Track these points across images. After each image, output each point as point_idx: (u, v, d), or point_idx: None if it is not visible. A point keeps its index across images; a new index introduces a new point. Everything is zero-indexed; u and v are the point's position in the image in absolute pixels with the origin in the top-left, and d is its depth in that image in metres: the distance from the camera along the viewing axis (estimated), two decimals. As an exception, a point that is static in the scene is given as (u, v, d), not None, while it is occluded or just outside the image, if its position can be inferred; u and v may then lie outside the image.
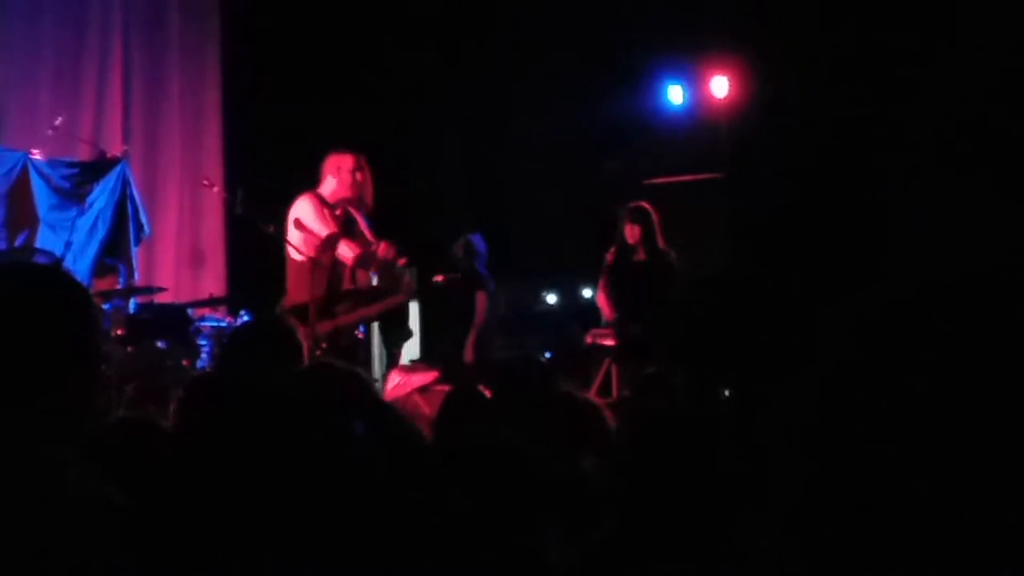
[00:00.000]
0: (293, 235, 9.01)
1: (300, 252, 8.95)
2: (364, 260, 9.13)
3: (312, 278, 8.89)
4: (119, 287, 11.58)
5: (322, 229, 9.01)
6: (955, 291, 1.26)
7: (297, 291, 9.01)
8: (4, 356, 2.28)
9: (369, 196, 9.36)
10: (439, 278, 11.37)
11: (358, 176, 9.28)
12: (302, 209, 9.11)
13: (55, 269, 2.72)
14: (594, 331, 12.43)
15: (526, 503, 2.96)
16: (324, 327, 8.84)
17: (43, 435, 2.10)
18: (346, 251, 9.06)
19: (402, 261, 9.27)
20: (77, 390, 2.29)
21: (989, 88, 11.36)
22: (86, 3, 13.39)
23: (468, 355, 11.70)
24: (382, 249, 9.07)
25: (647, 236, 10.84)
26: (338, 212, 9.23)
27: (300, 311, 8.76)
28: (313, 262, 8.88)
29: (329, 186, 9.26)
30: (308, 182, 9.60)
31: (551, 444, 4.29)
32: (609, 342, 11.30)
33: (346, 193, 9.23)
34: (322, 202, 9.16)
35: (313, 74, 14.01)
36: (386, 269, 9.23)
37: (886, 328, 1.27)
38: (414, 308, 12.62)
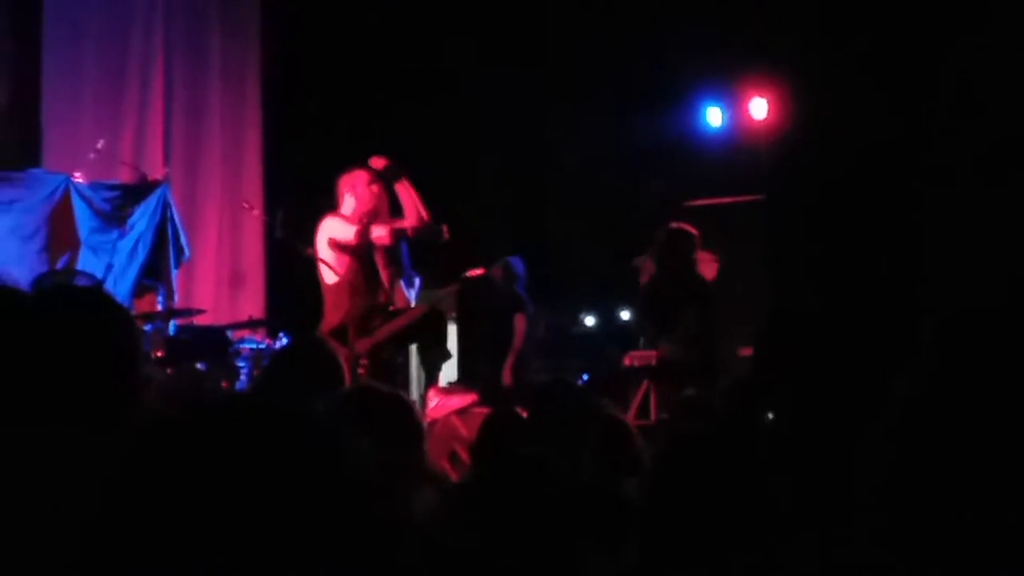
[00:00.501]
0: (327, 255, 9.02)
1: (335, 271, 8.96)
2: (399, 232, 9.17)
3: (348, 297, 8.92)
4: (159, 307, 11.63)
5: (351, 228, 9.03)
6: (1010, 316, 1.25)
7: (334, 313, 9.03)
8: (49, 378, 2.29)
9: (386, 209, 9.35)
10: (475, 272, 11.32)
11: (374, 188, 9.28)
12: (330, 225, 9.13)
13: (98, 291, 2.72)
14: (632, 353, 12.40)
15: (564, 524, 2.95)
16: (363, 345, 8.85)
17: (82, 455, 2.10)
18: (380, 231, 9.07)
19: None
20: (119, 411, 2.30)
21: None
22: (128, 27, 13.49)
23: (506, 378, 11.69)
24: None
25: (687, 259, 10.72)
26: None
27: (338, 332, 8.77)
28: (349, 283, 8.91)
29: (349, 205, 9.26)
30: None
31: (588, 466, 4.28)
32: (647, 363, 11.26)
33: (366, 207, 9.23)
34: (345, 218, 9.19)
35: (353, 97, 14.07)
36: (424, 227, 9.30)
37: (960, 359, 1.27)
38: (452, 330, 12.63)
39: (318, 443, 1.28)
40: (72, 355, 2.30)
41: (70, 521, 1.35)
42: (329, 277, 9.07)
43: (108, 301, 2.51)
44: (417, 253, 10.34)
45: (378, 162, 9.31)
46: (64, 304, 2.39)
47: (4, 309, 2.42)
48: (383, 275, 9.26)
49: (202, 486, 1.21)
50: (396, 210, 9.44)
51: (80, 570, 1.24)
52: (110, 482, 1.25)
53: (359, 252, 9.10)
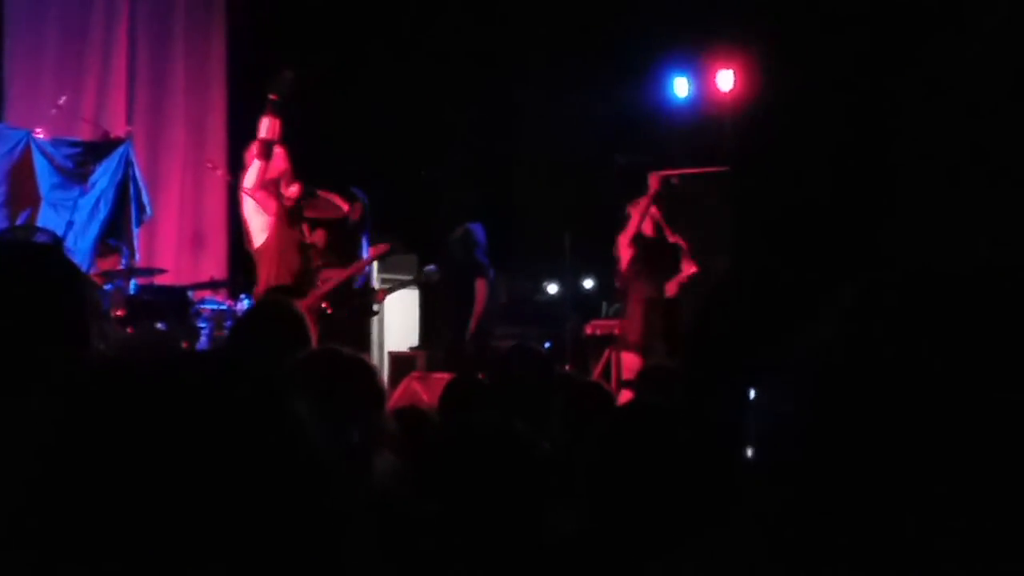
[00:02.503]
0: (249, 207, 9.11)
1: (265, 212, 9.01)
2: (309, 191, 9.26)
3: (279, 260, 8.98)
4: (121, 267, 11.56)
5: (254, 169, 9.10)
6: (941, 282, 1.23)
7: (266, 275, 9.07)
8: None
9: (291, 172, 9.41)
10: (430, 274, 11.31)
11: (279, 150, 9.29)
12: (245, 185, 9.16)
13: (47, 248, 2.68)
14: (594, 322, 12.43)
15: (527, 488, 2.95)
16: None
17: (21, 419, 2.07)
18: (293, 190, 9.16)
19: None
20: (64, 370, 2.27)
21: (998, 81, 11.33)
22: (92, -17, 13.36)
23: (468, 343, 11.70)
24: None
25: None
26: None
27: (281, 293, 8.82)
28: (276, 244, 8.98)
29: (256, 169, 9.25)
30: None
31: (555, 430, 4.28)
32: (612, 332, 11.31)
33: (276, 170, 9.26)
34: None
35: (320, 57, 13.99)
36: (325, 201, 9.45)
37: (866, 317, 1.25)
38: (414, 295, 12.63)
39: (253, 402, 1.25)
40: (15, 313, 2.27)
41: (8, 487, 1.33)
42: (257, 237, 9.11)
43: (57, 257, 2.47)
44: (378, 219, 10.38)
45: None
46: (11, 261, 2.36)
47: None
48: (309, 239, 9.33)
49: (134, 446, 1.19)
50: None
51: (19, 534, 1.21)
52: (44, 444, 1.23)
53: (283, 215, 9.13)
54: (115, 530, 1.16)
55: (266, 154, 9.00)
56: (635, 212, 10.88)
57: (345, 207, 9.89)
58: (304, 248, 9.21)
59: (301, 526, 1.21)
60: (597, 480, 2.83)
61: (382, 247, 10.11)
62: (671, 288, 10.82)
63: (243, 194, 9.19)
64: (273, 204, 9.08)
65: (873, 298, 1.25)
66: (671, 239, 10.99)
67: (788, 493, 1.21)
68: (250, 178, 9.09)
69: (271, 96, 9.25)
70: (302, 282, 9.10)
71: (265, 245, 9.08)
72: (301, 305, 8.79)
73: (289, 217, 9.14)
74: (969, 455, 1.13)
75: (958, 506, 1.12)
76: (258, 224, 9.10)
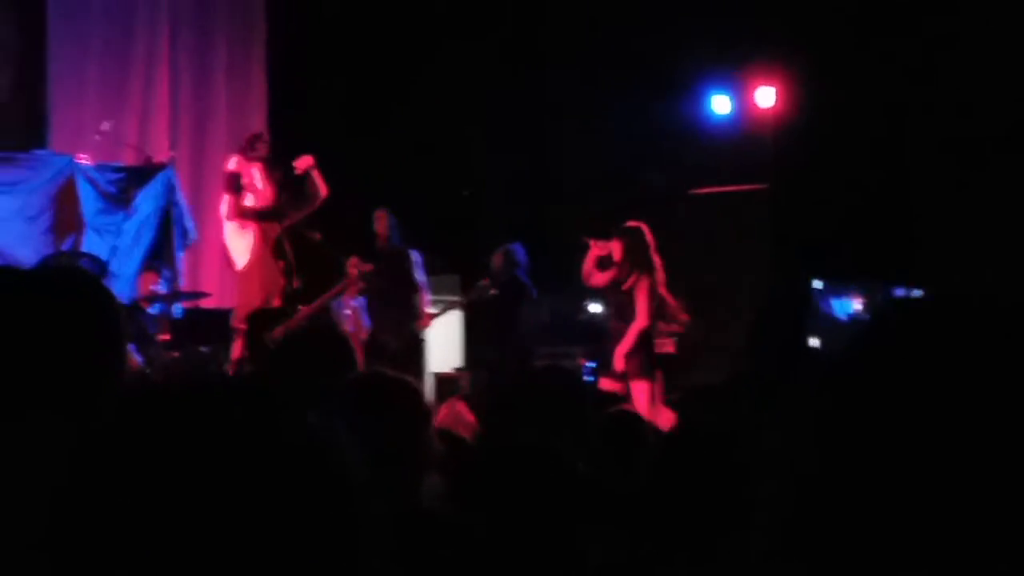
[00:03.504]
0: (228, 231, 9.33)
1: (244, 235, 9.17)
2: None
3: (261, 283, 9.11)
4: (159, 284, 11.63)
5: (224, 202, 9.38)
6: (971, 306, 1.25)
7: (250, 297, 9.17)
8: (15, 362, 2.26)
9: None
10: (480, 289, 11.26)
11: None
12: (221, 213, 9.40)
13: (83, 274, 2.70)
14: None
15: (565, 511, 2.96)
16: (285, 327, 9.03)
17: (51, 445, 2.09)
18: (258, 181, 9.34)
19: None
20: (90, 398, 2.28)
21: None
22: (133, 9, 13.48)
23: (510, 363, 11.69)
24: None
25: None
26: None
27: (264, 314, 8.93)
28: (259, 267, 9.13)
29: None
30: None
31: (590, 453, 4.29)
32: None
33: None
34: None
35: (359, 78, 14.07)
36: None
37: (890, 339, 1.27)
38: (456, 317, 12.64)
39: (283, 429, 1.26)
40: (50, 341, 2.29)
41: (36, 509, 1.35)
42: (239, 259, 9.26)
43: (94, 286, 2.48)
44: (420, 236, 10.45)
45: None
46: (47, 289, 2.38)
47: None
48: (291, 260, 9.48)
49: (159, 475, 1.20)
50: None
51: (44, 557, 1.23)
52: (72, 468, 1.24)
53: (265, 239, 9.30)
54: (145, 554, 1.17)
55: (233, 188, 9.28)
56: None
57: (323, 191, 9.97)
58: (287, 271, 9.34)
59: (335, 553, 1.22)
60: (647, 502, 2.84)
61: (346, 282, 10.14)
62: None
63: (224, 220, 9.45)
64: (254, 229, 9.24)
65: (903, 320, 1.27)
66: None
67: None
68: (223, 208, 9.39)
69: (243, 141, 10.04)
70: (284, 303, 9.22)
71: (248, 267, 9.23)
72: (284, 325, 8.94)
73: (271, 241, 9.28)
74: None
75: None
76: (239, 247, 9.29)
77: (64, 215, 11.71)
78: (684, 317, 10.67)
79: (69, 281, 2.44)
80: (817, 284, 12.39)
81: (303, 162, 9.64)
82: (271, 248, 9.24)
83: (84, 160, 11.88)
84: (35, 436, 2.17)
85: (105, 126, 12.06)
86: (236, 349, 9.16)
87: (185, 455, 1.19)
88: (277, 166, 9.75)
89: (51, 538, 1.21)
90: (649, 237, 10.42)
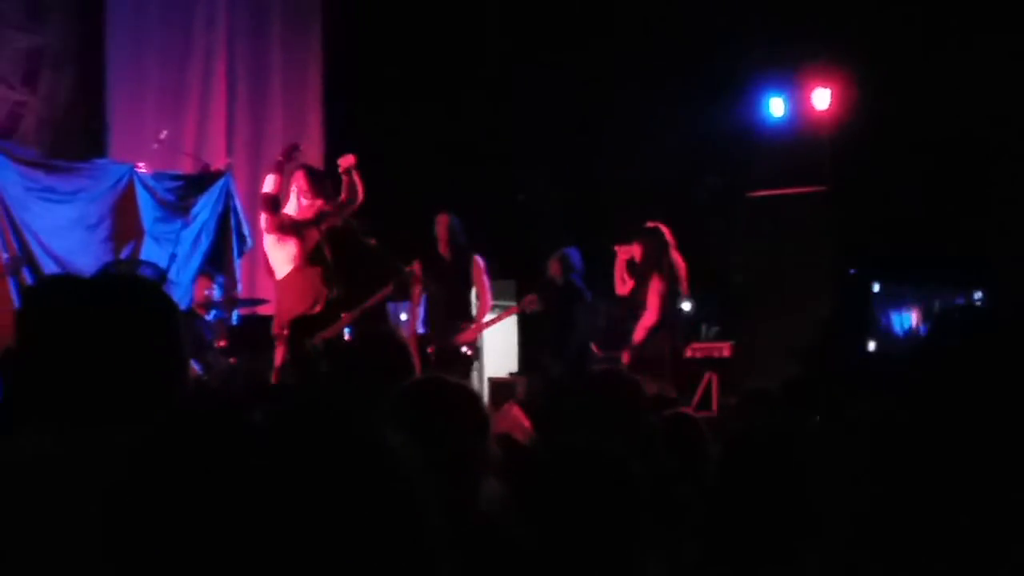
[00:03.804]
0: (268, 242, 9.40)
1: (285, 247, 9.20)
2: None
3: (304, 287, 9.16)
4: (212, 289, 11.70)
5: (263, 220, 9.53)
6: None
7: (290, 305, 9.21)
8: (81, 370, 2.28)
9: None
10: (530, 302, 11.21)
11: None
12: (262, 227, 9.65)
13: (146, 283, 2.71)
14: (695, 345, 12.35)
15: (627, 516, 2.94)
16: (328, 333, 9.07)
17: (110, 453, 2.09)
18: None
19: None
20: (154, 405, 2.29)
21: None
22: (190, 18, 13.57)
23: (566, 367, 11.67)
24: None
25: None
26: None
27: (305, 321, 8.96)
28: (299, 273, 9.18)
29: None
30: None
31: (647, 455, 4.27)
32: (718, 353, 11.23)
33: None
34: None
35: (415, 86, 14.10)
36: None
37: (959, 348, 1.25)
38: (512, 322, 12.63)
39: (343, 437, 1.26)
40: (115, 347, 2.30)
41: (90, 519, 1.35)
42: (282, 267, 9.32)
43: (157, 294, 2.50)
44: (474, 241, 10.46)
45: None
46: (111, 296, 2.39)
47: (59, 298, 2.43)
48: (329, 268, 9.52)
49: (220, 482, 1.20)
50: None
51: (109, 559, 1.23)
52: (133, 475, 1.24)
53: (306, 251, 9.36)
54: (203, 561, 1.17)
55: (271, 207, 9.33)
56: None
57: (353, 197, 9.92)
58: (327, 278, 9.38)
59: (395, 559, 1.21)
60: (714, 508, 2.82)
61: (386, 289, 10.15)
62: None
63: (264, 232, 9.53)
64: (294, 238, 9.29)
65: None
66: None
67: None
68: (263, 223, 9.48)
69: (278, 156, 9.80)
70: (326, 310, 9.25)
71: (289, 276, 9.27)
72: (324, 335, 9.00)
73: (311, 249, 9.32)
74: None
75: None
76: (280, 257, 9.34)
77: (123, 223, 11.80)
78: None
79: (132, 289, 2.45)
80: (875, 287, 12.32)
81: (346, 160, 9.67)
82: (311, 256, 9.30)
83: (142, 168, 11.97)
84: (101, 443, 2.18)
85: (163, 134, 12.15)
86: (278, 356, 9.21)
87: (254, 463, 1.19)
88: (320, 173, 9.79)
89: (112, 544, 1.22)
90: (668, 236, 10.53)
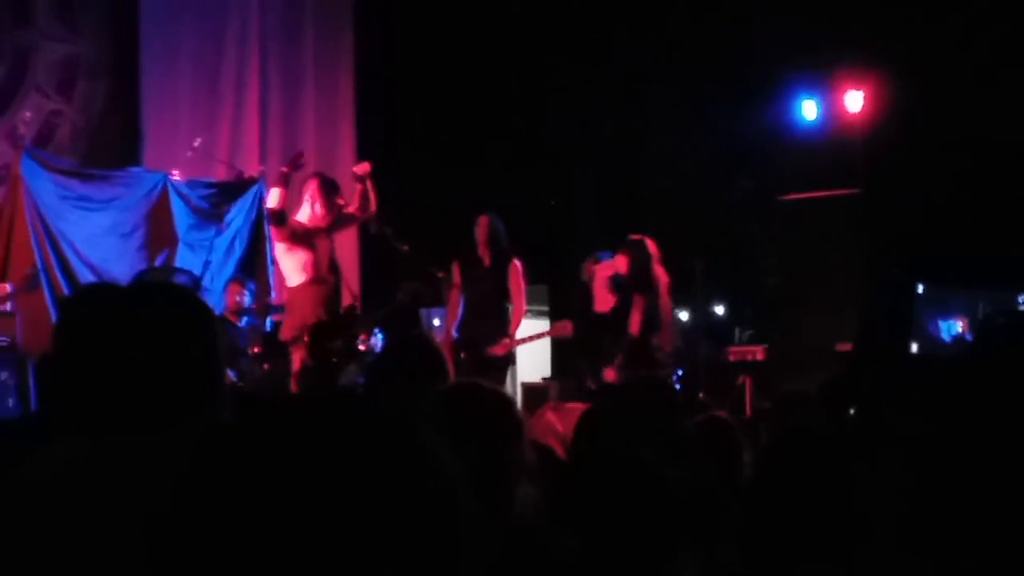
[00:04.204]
0: (279, 250, 9.39)
1: (295, 255, 9.16)
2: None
3: (315, 296, 9.16)
4: (243, 295, 11.74)
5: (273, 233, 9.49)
6: None
7: (303, 312, 9.20)
8: (124, 377, 2.29)
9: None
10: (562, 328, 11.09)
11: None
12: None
13: (181, 290, 2.73)
14: (732, 348, 12.32)
15: (660, 521, 2.94)
16: (342, 342, 9.07)
17: (152, 462, 2.10)
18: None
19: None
20: (196, 411, 2.30)
21: None
22: (223, 27, 13.64)
23: (607, 374, 11.64)
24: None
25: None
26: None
27: (325, 326, 8.97)
28: (311, 282, 9.18)
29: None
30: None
31: (683, 461, 4.26)
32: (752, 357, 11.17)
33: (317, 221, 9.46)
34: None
35: (447, 90, 14.12)
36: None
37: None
38: (545, 325, 12.62)
39: (391, 445, 1.27)
40: (152, 355, 2.31)
41: (136, 528, 1.36)
42: (294, 277, 9.30)
43: (193, 301, 2.51)
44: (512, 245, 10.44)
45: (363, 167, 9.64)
46: (148, 304, 2.41)
47: (96, 306, 2.44)
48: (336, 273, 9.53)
49: (265, 485, 1.21)
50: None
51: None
52: (173, 490, 1.25)
53: (316, 259, 9.36)
54: (248, 565, 1.18)
55: (278, 222, 9.28)
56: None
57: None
58: (337, 289, 9.40)
59: (435, 558, 1.22)
60: (755, 509, 2.82)
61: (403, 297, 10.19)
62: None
63: (274, 240, 9.56)
64: (304, 247, 9.29)
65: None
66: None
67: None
68: (273, 235, 9.50)
69: (283, 168, 9.64)
70: (335, 322, 9.24)
71: (301, 285, 9.28)
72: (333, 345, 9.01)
73: (322, 258, 9.33)
74: None
75: None
76: (290, 265, 9.33)
77: (158, 231, 11.86)
78: (666, 351, 10.44)
79: (169, 297, 2.47)
80: (920, 288, 12.26)
81: (362, 168, 9.65)
82: (323, 265, 9.31)
83: (176, 176, 12.03)
84: (139, 451, 2.19)
85: (197, 142, 12.21)
86: (296, 362, 9.21)
87: (304, 465, 1.20)
88: (333, 181, 9.75)
89: (162, 551, 1.23)
90: (653, 249, 10.29)
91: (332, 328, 9.11)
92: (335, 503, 1.17)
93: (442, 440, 1.27)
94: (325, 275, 9.30)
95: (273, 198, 9.40)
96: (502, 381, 10.01)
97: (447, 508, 1.22)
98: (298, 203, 9.56)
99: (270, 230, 9.61)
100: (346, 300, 9.84)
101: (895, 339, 11.93)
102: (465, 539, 1.23)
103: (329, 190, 9.49)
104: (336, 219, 9.44)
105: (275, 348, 10.56)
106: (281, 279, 13.01)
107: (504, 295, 10.23)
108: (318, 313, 9.13)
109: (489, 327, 10.15)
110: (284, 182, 9.41)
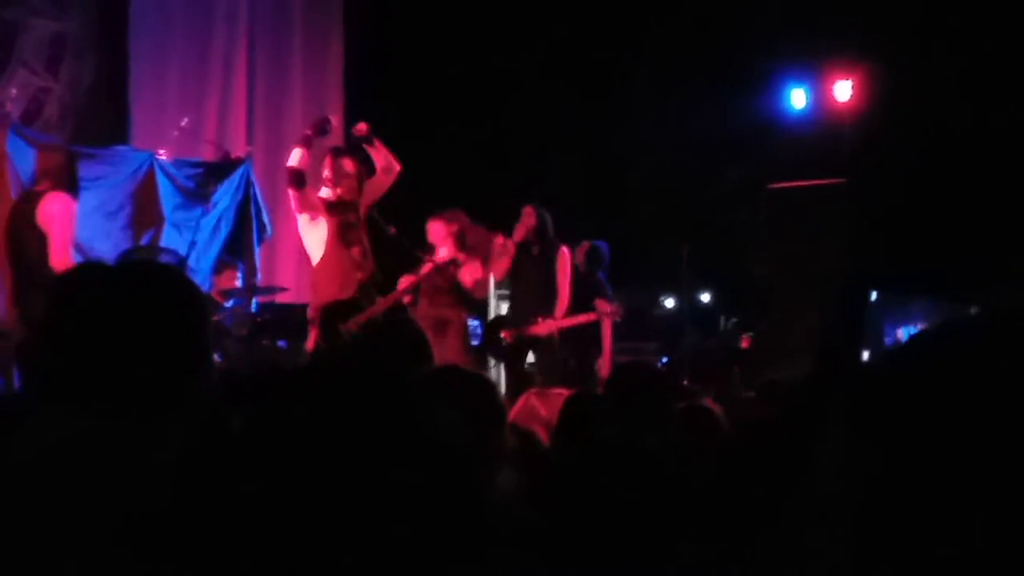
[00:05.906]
0: (302, 224, 9.24)
1: (317, 229, 9.05)
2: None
3: (337, 270, 9.05)
4: (238, 283, 11.72)
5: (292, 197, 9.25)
6: None
7: (325, 288, 9.10)
8: (115, 356, 2.28)
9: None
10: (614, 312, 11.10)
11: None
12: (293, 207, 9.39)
13: (170, 268, 2.72)
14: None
15: (645, 506, 2.94)
16: (360, 319, 8.95)
17: (145, 442, 2.10)
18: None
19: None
20: (187, 390, 2.30)
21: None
22: (212, 6, 13.61)
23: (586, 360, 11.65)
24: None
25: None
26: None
27: (337, 307, 8.89)
28: (333, 256, 9.03)
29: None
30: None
31: (668, 446, 4.27)
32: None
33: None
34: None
35: (436, 76, 14.10)
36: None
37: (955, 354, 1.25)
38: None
39: (406, 408, 1.27)
40: (142, 333, 2.30)
41: (136, 510, 1.35)
42: (315, 251, 9.20)
43: (181, 279, 2.51)
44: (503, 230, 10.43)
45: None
46: (136, 282, 2.40)
47: (86, 285, 2.44)
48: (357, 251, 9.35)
49: (281, 455, 1.21)
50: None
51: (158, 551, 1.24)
52: (176, 472, 1.25)
53: (337, 233, 9.24)
54: (259, 537, 1.18)
55: (296, 183, 9.15)
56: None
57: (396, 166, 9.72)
58: (362, 265, 9.26)
59: (451, 518, 1.22)
60: (718, 498, 2.82)
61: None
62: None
63: (295, 214, 9.39)
64: (328, 220, 9.18)
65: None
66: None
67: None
68: (294, 203, 9.29)
69: (307, 131, 9.49)
70: (358, 298, 9.16)
71: (322, 260, 9.17)
72: (358, 317, 8.91)
73: (345, 231, 9.20)
74: None
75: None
76: (313, 240, 9.21)
77: (143, 210, 11.82)
78: None
79: (158, 276, 2.46)
80: (872, 296, 12.28)
81: (359, 129, 9.54)
82: (346, 239, 9.18)
83: (163, 156, 11.99)
84: (127, 429, 2.19)
85: (184, 122, 12.17)
86: (311, 341, 9.15)
87: (325, 436, 1.20)
88: (355, 152, 9.64)
89: (174, 528, 1.22)
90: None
91: (346, 307, 9.01)
92: (364, 474, 1.17)
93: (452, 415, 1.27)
94: (345, 251, 9.15)
95: (294, 157, 9.25)
96: (547, 360, 10.08)
97: (459, 469, 1.23)
98: (317, 175, 9.46)
99: (291, 197, 9.36)
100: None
101: (847, 344, 11.93)
102: (478, 496, 1.24)
103: (336, 156, 9.42)
104: (352, 188, 9.28)
105: (260, 329, 10.55)
106: (267, 260, 13.03)
107: (552, 282, 10.36)
108: (334, 290, 9.04)
109: (538, 313, 10.28)
110: (307, 144, 9.31)
